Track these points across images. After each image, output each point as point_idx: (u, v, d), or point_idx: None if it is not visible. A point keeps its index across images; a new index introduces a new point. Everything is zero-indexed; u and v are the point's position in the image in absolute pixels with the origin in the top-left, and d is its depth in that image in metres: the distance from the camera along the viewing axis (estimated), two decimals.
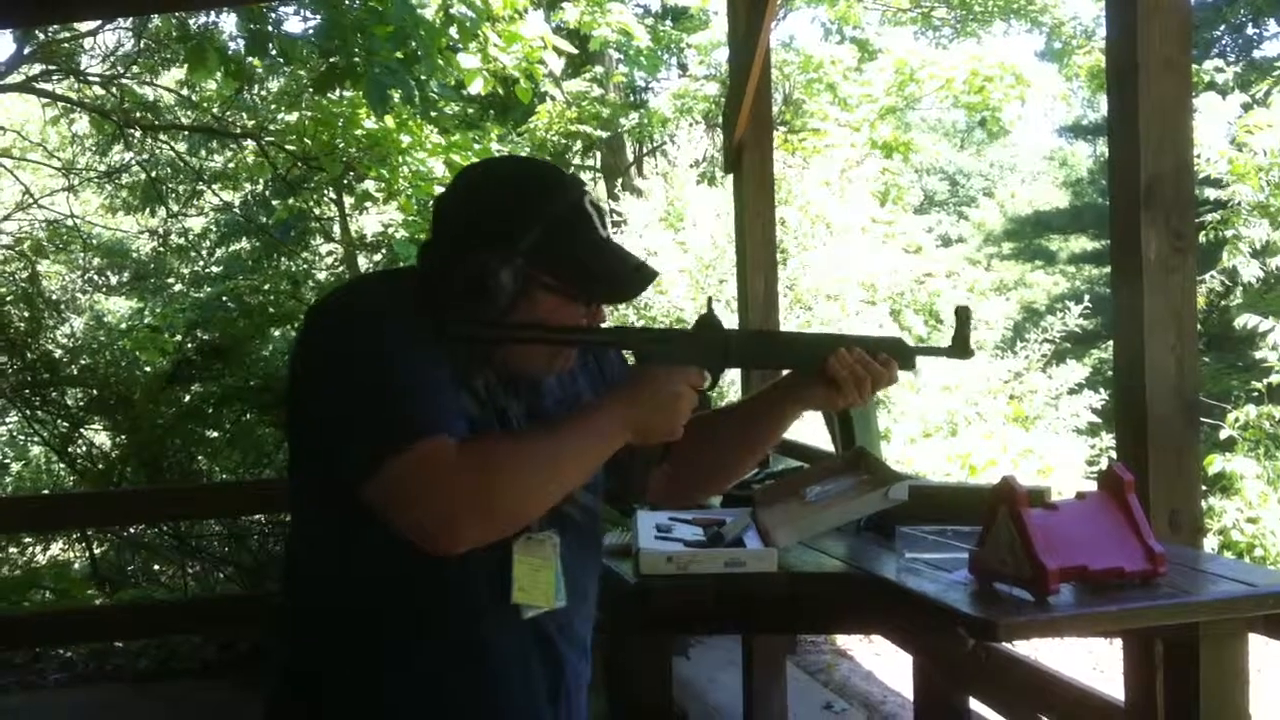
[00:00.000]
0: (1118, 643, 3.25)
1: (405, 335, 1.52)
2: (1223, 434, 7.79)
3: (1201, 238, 8.01)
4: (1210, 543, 6.85)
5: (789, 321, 8.77)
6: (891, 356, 1.77)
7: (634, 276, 1.64)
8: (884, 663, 5.03)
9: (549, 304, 1.59)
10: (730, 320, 6.58)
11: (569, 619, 1.67)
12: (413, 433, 1.46)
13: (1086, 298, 10.66)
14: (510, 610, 1.58)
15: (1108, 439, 8.68)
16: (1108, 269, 2.72)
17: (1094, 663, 5.00)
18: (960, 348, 1.82)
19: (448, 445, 1.46)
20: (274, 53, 6.46)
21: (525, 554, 1.59)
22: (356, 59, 5.68)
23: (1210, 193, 8.46)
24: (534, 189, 1.60)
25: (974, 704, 3.18)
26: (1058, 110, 17.93)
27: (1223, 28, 17.42)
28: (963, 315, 1.82)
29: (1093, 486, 2.07)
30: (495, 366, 1.62)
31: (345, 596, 1.58)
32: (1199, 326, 2.51)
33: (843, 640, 5.30)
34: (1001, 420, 8.65)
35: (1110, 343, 2.61)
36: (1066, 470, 7.64)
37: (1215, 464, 7.22)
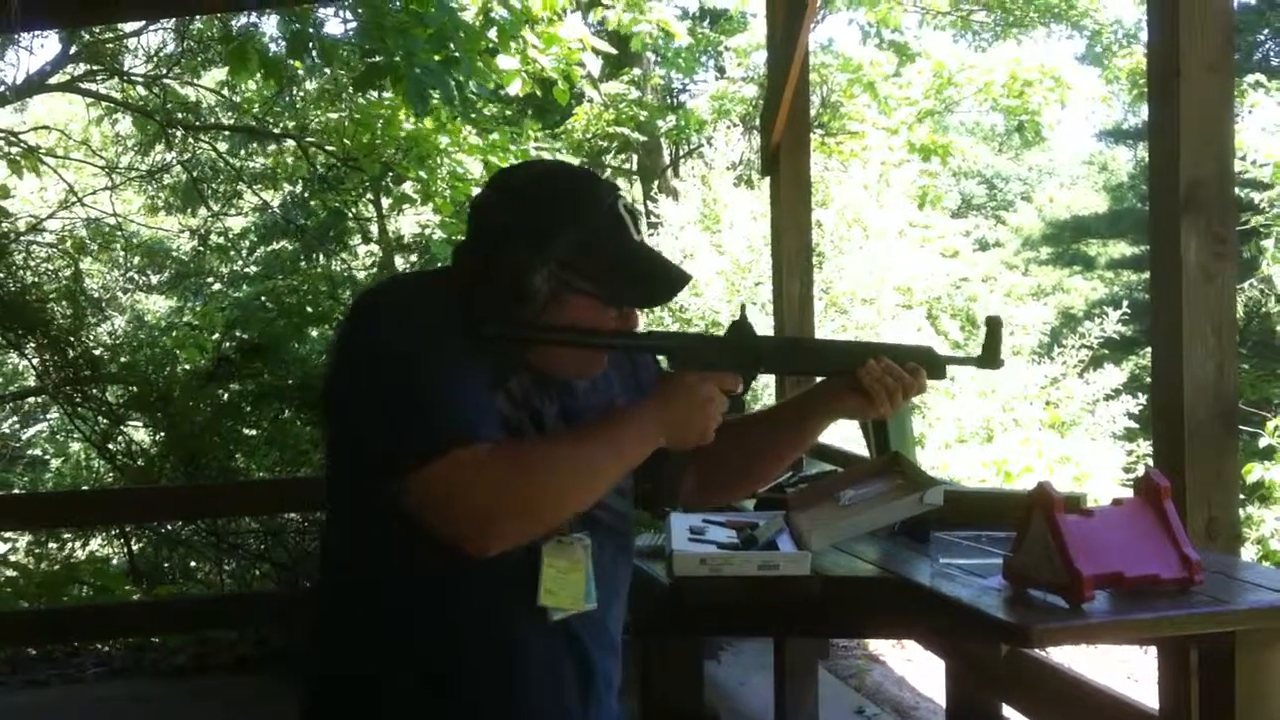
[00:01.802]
0: (1152, 651, 3.23)
1: (438, 336, 1.53)
2: (1262, 442, 7.69)
3: (1245, 253, 7.92)
4: (1249, 552, 6.77)
5: (824, 325, 8.75)
6: (921, 366, 1.78)
7: (667, 281, 1.65)
8: (916, 668, 5.00)
9: (581, 307, 1.59)
10: (765, 323, 6.57)
11: (600, 620, 1.67)
12: (446, 436, 1.46)
13: (1125, 303, 10.55)
14: (539, 613, 1.59)
15: (1145, 445, 8.61)
16: (1147, 275, 2.70)
17: (1128, 671, 4.96)
18: (990, 358, 1.81)
19: (481, 448, 1.47)
20: (314, 54, 6.51)
21: (554, 557, 1.59)
22: (397, 59, 5.71)
23: (1255, 196, 8.37)
24: (569, 192, 1.61)
25: (1007, 711, 3.17)
26: (1098, 114, 17.80)
27: (1265, 31, 17.22)
28: (993, 325, 1.82)
29: (1129, 493, 2.05)
30: (528, 368, 1.62)
31: (375, 600, 1.59)
32: (1238, 333, 2.49)
33: (875, 645, 5.27)
34: (1038, 426, 8.59)
35: (1148, 349, 2.59)
36: (1103, 476, 7.57)
37: (1254, 472, 7.11)
